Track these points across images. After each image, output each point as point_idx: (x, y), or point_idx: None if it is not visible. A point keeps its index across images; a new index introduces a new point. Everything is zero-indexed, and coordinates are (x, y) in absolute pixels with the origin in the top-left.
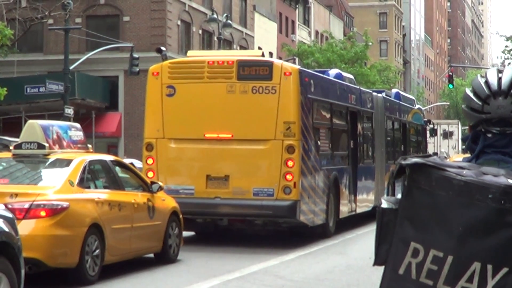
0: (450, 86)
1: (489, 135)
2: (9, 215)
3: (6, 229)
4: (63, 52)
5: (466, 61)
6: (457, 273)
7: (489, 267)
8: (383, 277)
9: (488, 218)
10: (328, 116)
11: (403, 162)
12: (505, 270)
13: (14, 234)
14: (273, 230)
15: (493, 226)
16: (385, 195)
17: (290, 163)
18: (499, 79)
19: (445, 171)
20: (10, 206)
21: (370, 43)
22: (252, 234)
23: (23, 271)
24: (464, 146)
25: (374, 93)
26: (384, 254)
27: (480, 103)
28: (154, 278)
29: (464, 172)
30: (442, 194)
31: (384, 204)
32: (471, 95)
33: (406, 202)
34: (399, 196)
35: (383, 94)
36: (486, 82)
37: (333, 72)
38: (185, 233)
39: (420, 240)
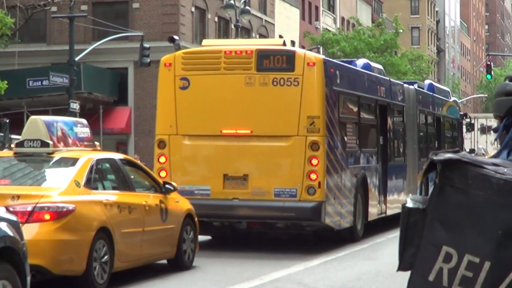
0: (488, 76)
1: None
2: (14, 218)
3: (11, 234)
4: (68, 42)
5: (506, 49)
6: (494, 280)
7: None
8: (409, 284)
9: None
10: (355, 110)
11: (435, 157)
12: None
13: (19, 238)
14: (296, 233)
15: None
16: (410, 195)
17: (314, 161)
18: None
19: (483, 168)
20: (11, 209)
21: (401, 30)
22: (273, 238)
23: (28, 278)
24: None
25: (406, 85)
26: (410, 259)
27: None
28: (167, 286)
29: (505, 170)
30: (480, 193)
31: (410, 204)
32: (507, 81)
33: (438, 202)
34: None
35: (415, 86)
36: None
37: (360, 62)
38: (201, 238)
39: (453, 243)
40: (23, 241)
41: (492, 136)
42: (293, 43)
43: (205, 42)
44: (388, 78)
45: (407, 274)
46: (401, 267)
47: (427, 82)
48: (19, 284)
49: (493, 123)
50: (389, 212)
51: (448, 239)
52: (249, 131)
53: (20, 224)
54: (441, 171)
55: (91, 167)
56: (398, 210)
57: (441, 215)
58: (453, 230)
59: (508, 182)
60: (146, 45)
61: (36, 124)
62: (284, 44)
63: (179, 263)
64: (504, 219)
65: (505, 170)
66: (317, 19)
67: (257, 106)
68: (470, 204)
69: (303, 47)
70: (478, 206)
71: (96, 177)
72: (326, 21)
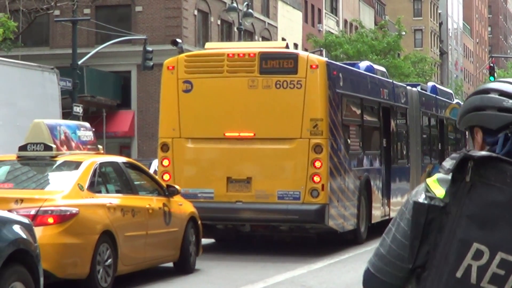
0: (492, 78)
1: None
2: (26, 221)
3: (24, 236)
4: (71, 45)
5: (509, 51)
6: None
7: None
8: (428, 282)
9: None
10: (358, 112)
11: (471, 154)
12: None
13: (32, 241)
14: (300, 236)
15: None
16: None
17: (317, 164)
18: None
19: None
20: (15, 213)
21: (404, 33)
22: (277, 241)
23: (41, 280)
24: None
25: (409, 87)
26: (425, 256)
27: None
28: None
29: None
30: None
31: (425, 200)
32: (497, 96)
33: (469, 199)
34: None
35: (418, 88)
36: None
37: (363, 64)
38: (204, 241)
39: (485, 241)
40: (36, 244)
41: None
42: (296, 45)
43: (208, 45)
44: (391, 81)
45: None
46: (416, 264)
47: (430, 84)
48: (33, 286)
49: None
50: (393, 214)
51: (480, 236)
52: (252, 134)
53: (33, 227)
54: (473, 168)
55: (95, 171)
56: None
57: (472, 212)
58: (486, 228)
59: None
60: (149, 48)
61: (39, 128)
62: (287, 46)
63: (182, 266)
64: None
65: None
66: (320, 21)
67: (260, 109)
68: (507, 202)
69: (306, 50)
70: None
71: (100, 180)
72: (329, 24)
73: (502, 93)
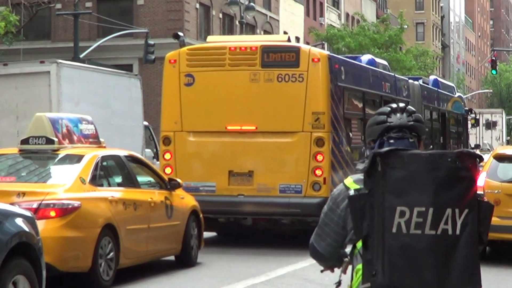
0: (493, 72)
1: (391, 141)
2: (29, 214)
3: (26, 229)
4: (73, 39)
5: (511, 44)
6: (437, 219)
7: (456, 210)
8: (375, 241)
9: (450, 175)
10: (360, 105)
11: (378, 151)
12: (466, 211)
13: (34, 234)
14: (302, 230)
15: (453, 180)
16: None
17: (319, 157)
18: (396, 104)
19: (411, 150)
20: (17, 206)
21: (406, 26)
22: (279, 235)
23: (44, 273)
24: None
25: (410, 81)
26: (366, 228)
27: (384, 116)
28: (173, 283)
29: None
30: (414, 166)
31: (355, 192)
32: (376, 115)
33: (384, 181)
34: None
35: (420, 82)
36: (387, 106)
37: (365, 58)
38: (206, 234)
39: (404, 203)
40: (39, 237)
41: (497, 131)
42: (297, 39)
43: (209, 38)
44: (393, 74)
45: None
46: (359, 236)
47: (432, 77)
48: (35, 279)
49: (498, 118)
50: None
51: (399, 201)
52: (254, 127)
53: (36, 220)
54: (381, 160)
55: (96, 164)
56: None
57: (389, 188)
58: (402, 195)
59: (431, 154)
60: (151, 42)
61: (41, 121)
62: (289, 40)
63: (184, 260)
64: (434, 177)
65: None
66: (321, 15)
67: (262, 102)
68: (409, 175)
69: (307, 43)
70: (416, 174)
71: (101, 173)
72: (331, 17)
73: (379, 113)
